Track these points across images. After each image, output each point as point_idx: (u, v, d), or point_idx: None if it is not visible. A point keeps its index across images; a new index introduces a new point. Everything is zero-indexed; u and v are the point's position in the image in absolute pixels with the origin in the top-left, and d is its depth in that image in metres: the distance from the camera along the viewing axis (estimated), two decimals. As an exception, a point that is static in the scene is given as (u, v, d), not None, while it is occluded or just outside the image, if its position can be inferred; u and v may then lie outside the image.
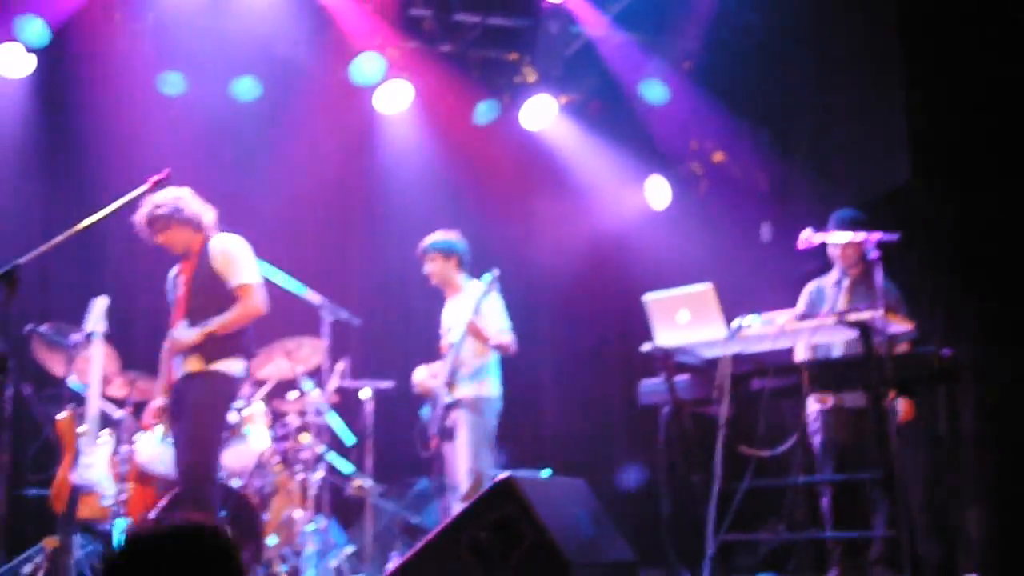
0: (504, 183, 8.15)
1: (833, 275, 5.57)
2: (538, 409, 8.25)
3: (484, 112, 7.96)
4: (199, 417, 5.01)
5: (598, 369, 8.16)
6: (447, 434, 5.87)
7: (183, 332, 5.08)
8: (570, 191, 8.18)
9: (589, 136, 8.13)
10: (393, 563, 5.50)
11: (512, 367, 6.11)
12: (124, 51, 7.24)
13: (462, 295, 6.08)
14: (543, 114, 7.94)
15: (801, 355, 5.12)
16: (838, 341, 5.07)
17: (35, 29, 6.89)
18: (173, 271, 5.37)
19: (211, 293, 5.09)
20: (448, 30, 7.59)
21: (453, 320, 6.06)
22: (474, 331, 5.80)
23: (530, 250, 7.96)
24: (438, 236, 6.15)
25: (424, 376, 6.08)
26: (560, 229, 8.24)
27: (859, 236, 4.92)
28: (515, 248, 7.91)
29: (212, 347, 5.04)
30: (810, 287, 5.64)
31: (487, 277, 5.85)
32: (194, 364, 5.07)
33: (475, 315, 5.78)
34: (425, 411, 6.01)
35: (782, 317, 4.76)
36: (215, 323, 5.02)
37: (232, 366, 5.10)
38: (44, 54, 7.14)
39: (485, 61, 7.94)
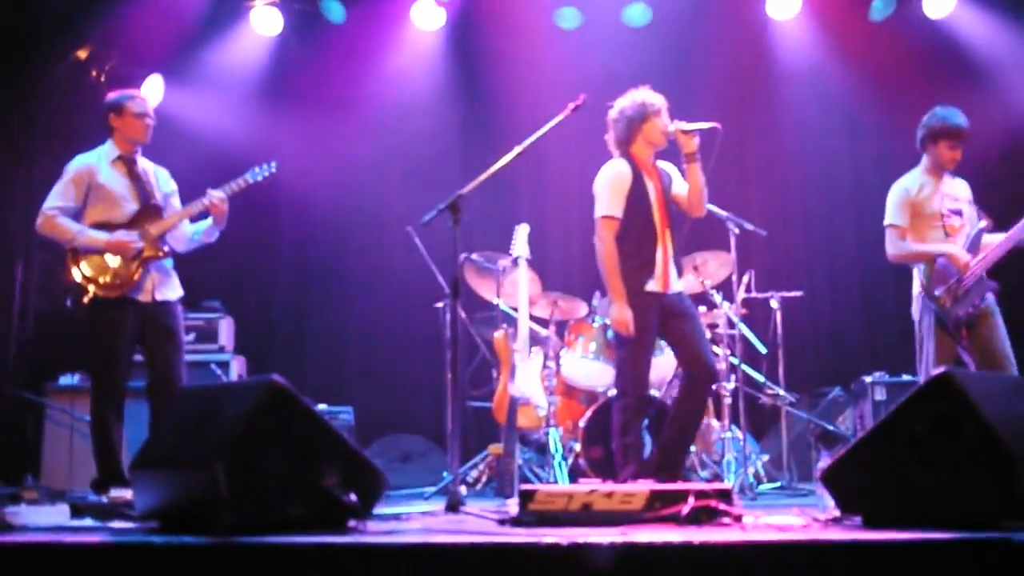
0: (906, 79, 7.77)
1: None
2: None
3: (880, 8, 7.63)
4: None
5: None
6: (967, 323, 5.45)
7: None
8: (981, 80, 7.65)
9: (999, 19, 7.56)
10: (823, 462, 5.53)
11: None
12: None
13: (947, 176, 5.69)
14: (944, 2, 7.50)
15: None
16: None
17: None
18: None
19: None
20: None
21: (957, 201, 5.63)
22: None
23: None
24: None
25: (969, 257, 5.46)
26: (972, 119, 7.74)
27: None
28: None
29: None
30: None
31: None
32: None
33: None
34: (942, 292, 5.46)
35: None
36: None
37: None
38: (452, 5, 7.74)
39: (878, -47, 7.60)
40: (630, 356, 5.11)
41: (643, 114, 5.18)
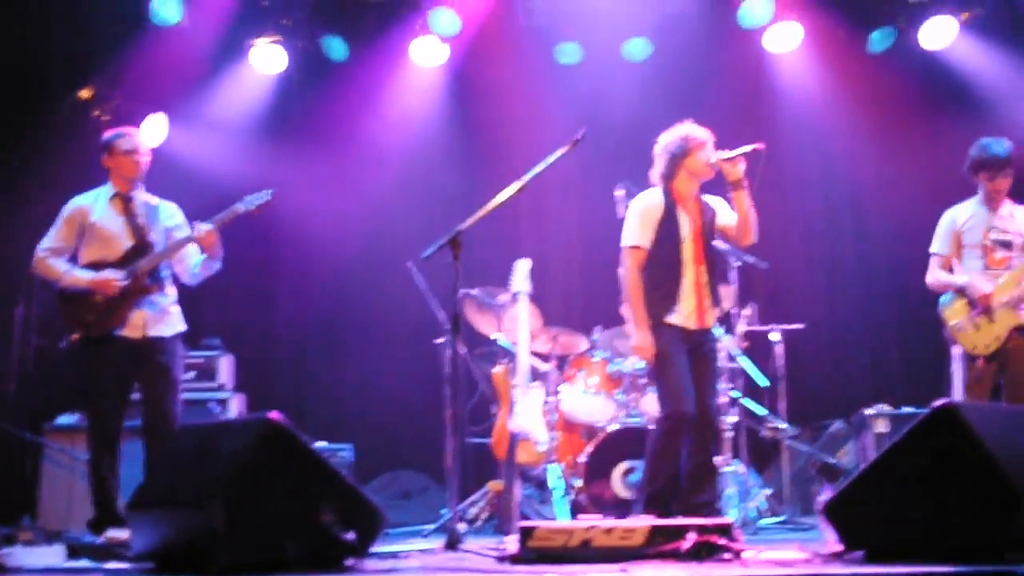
0: (905, 110, 7.81)
1: None
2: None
3: (879, 40, 7.68)
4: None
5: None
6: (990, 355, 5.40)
7: None
8: (981, 110, 7.67)
9: (996, 52, 7.60)
10: (824, 496, 5.50)
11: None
12: (522, 29, 7.72)
13: (1008, 206, 5.61)
14: (943, 34, 7.56)
15: None
16: None
17: (447, 20, 7.53)
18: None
19: None
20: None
21: (1007, 234, 5.55)
22: None
23: (938, 173, 7.59)
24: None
25: (990, 288, 5.42)
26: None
27: None
28: (924, 172, 7.58)
29: None
30: None
31: None
32: None
33: None
34: (960, 323, 5.47)
35: None
36: None
37: None
38: (453, 41, 7.78)
39: (876, -13, 7.66)
40: (664, 379, 5.09)
41: (685, 148, 5.16)
